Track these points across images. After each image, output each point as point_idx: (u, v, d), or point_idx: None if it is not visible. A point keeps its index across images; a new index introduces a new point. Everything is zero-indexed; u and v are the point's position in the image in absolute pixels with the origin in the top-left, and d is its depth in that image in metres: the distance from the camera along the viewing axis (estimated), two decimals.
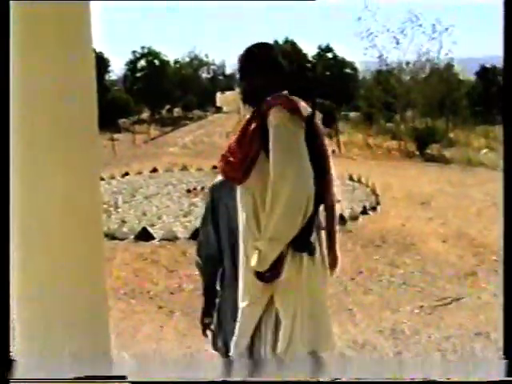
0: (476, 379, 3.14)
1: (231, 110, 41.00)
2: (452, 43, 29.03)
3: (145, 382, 3.38)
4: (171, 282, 7.27)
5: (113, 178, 16.32)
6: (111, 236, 9.70)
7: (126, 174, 17.21)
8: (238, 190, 3.13)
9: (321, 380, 3.42)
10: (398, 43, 28.14)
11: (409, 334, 5.67)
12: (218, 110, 49.48)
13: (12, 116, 2.95)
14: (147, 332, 5.87)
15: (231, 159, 3.10)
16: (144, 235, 9.78)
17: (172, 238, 9.52)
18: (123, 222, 10.75)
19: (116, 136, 27.68)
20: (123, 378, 3.25)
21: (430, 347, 5.38)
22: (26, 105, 2.98)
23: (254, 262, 2.99)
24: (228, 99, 46.89)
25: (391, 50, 28.74)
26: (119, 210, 12.18)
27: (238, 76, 3.34)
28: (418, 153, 22.90)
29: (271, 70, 3.19)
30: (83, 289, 3.27)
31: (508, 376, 2.79)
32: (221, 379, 3.29)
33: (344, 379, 3.41)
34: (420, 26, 27.74)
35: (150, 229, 9.97)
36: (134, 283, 7.46)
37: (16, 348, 3.39)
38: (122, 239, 9.68)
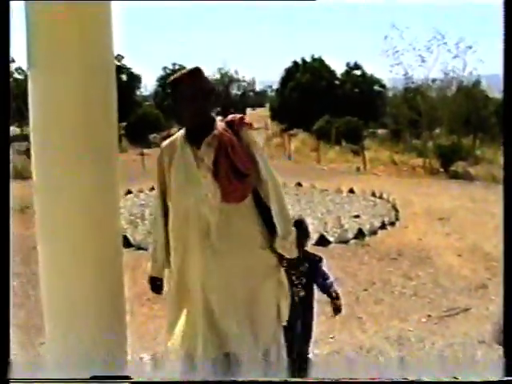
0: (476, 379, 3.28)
1: (260, 126, 41.52)
2: (478, 61, 29.39)
3: (145, 381, 3.62)
4: None
5: (141, 191, 16.80)
6: (137, 246, 10.13)
7: (153, 188, 17.64)
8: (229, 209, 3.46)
9: (321, 380, 3.67)
10: (423, 61, 28.50)
11: (414, 340, 5.94)
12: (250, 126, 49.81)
13: (34, 131, 3.31)
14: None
15: (244, 179, 3.39)
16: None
17: None
18: (149, 232, 11.13)
19: (146, 151, 28.16)
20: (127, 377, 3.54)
21: (433, 353, 5.66)
22: (49, 121, 3.29)
23: (292, 253, 3.62)
24: (258, 116, 47.37)
25: (417, 68, 29.12)
26: (146, 221, 12.60)
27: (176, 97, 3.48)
28: (442, 170, 23.05)
29: None
30: (102, 293, 3.61)
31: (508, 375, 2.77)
32: (220, 379, 3.45)
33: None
34: (445, 43, 28.10)
35: None
36: None
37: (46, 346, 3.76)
38: (147, 249, 10.07)
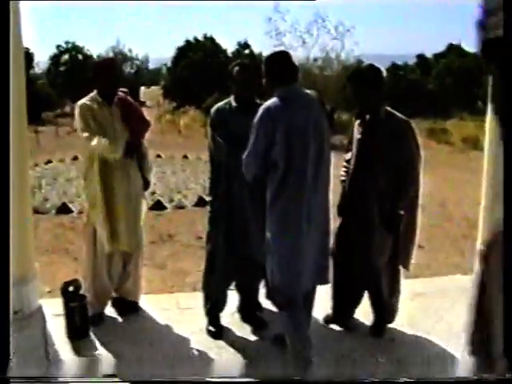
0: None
1: (153, 104, 42.37)
2: (354, 43, 31.39)
3: (145, 381, 4.03)
4: None
5: (36, 165, 17.67)
6: (35, 210, 11.27)
7: (49, 161, 18.60)
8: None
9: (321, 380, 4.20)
10: (304, 42, 30.33)
11: None
12: (142, 104, 50.14)
13: None
14: (64, 275, 7.44)
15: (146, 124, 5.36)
16: (64, 209, 11.42)
17: None
18: (46, 199, 12.32)
19: (40, 128, 28.58)
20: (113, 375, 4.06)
21: None
22: None
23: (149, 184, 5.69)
24: (152, 94, 48.00)
25: (298, 49, 30.70)
26: (43, 190, 13.71)
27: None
28: None
29: None
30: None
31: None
32: (221, 379, 4.18)
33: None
34: (325, 27, 30.03)
35: (69, 204, 11.61)
36: (54, 243, 9.12)
37: None
38: (44, 213, 11.28)
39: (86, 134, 5.02)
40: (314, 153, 4.20)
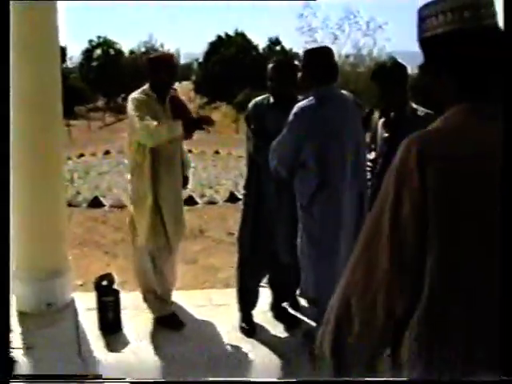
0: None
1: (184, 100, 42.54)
2: (385, 40, 31.21)
3: (145, 381, 3.89)
4: (117, 236, 8.95)
5: (69, 158, 17.83)
6: (68, 204, 11.35)
7: (82, 155, 18.76)
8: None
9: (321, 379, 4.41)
10: (336, 38, 30.20)
11: None
12: None
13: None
14: (96, 268, 7.50)
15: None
16: (96, 203, 11.48)
17: (120, 205, 11.22)
18: (78, 193, 12.39)
19: (72, 122, 28.83)
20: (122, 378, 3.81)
21: None
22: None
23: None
24: (183, 89, 48.18)
25: (329, 45, 30.51)
26: (75, 184, 13.82)
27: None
28: None
29: None
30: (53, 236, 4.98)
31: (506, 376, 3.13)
32: (222, 379, 4.00)
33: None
34: (356, 22, 29.91)
35: (101, 198, 11.67)
36: (86, 237, 9.17)
37: None
38: (76, 206, 11.35)
39: (139, 121, 4.78)
40: (350, 156, 4.12)
